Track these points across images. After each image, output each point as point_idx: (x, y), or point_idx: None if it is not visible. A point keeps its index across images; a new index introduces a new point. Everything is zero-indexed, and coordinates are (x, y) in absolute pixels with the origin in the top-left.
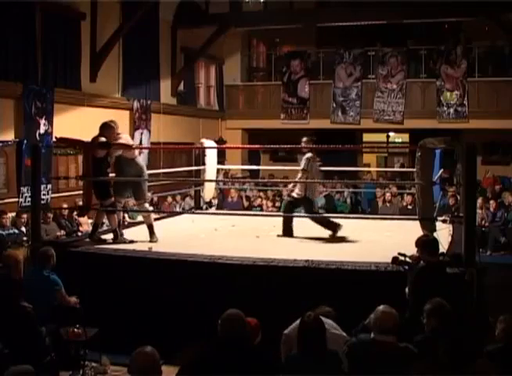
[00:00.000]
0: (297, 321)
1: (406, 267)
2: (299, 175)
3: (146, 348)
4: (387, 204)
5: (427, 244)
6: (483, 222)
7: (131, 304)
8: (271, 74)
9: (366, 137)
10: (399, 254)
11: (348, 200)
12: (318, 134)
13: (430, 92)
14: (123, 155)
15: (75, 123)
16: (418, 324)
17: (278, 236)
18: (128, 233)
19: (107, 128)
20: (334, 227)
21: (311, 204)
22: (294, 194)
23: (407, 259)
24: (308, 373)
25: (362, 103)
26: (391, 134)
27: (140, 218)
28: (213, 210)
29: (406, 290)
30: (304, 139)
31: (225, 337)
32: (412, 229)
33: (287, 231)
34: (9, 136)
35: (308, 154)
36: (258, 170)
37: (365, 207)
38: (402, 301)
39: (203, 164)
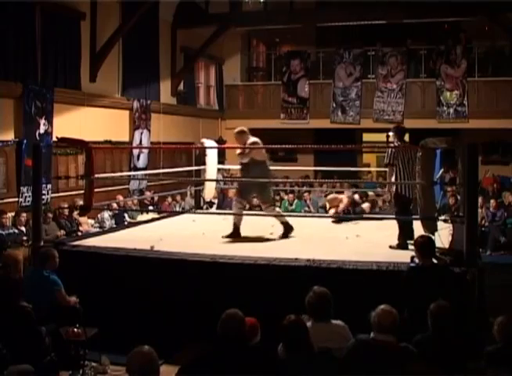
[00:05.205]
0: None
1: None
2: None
3: (142, 348)
4: (387, 204)
5: (419, 245)
6: (483, 222)
7: (132, 304)
8: (271, 74)
9: (366, 137)
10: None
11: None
12: (318, 134)
13: (430, 92)
14: (253, 157)
15: (75, 123)
16: (414, 324)
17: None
18: (128, 233)
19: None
20: None
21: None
22: None
23: (415, 259)
24: (297, 374)
25: (361, 102)
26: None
27: (139, 218)
28: (213, 210)
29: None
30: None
31: (224, 337)
32: (414, 229)
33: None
34: (9, 136)
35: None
36: None
37: None
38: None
39: (204, 163)
